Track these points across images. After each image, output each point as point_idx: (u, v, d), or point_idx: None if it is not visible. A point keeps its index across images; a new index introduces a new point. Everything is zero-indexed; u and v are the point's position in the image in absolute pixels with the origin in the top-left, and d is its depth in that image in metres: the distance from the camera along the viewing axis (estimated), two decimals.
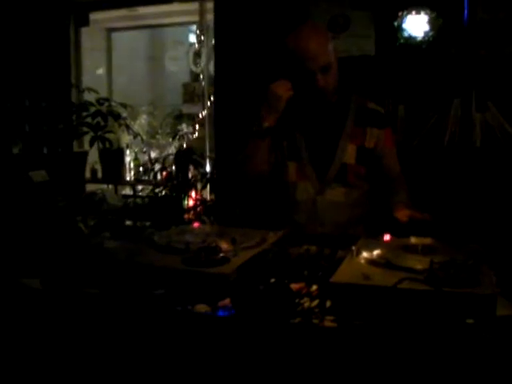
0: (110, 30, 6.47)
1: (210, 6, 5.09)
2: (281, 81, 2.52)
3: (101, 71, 6.30)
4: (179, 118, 6.34)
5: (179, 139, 5.45)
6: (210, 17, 5.23)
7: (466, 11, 3.50)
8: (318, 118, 2.63)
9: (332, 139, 2.61)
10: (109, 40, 6.48)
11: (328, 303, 1.64)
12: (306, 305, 1.65)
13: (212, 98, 5.52)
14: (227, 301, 1.66)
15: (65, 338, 1.75)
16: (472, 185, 3.55)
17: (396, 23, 3.65)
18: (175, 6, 5.56)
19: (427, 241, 2.00)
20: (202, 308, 1.66)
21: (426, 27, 3.59)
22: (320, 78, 2.47)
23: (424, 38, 3.58)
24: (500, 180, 3.50)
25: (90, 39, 6.03)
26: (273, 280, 1.75)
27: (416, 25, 3.59)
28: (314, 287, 1.77)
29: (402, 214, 2.32)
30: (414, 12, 3.59)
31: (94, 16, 5.85)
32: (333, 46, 2.55)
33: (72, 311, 1.77)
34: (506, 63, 3.51)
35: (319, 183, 2.60)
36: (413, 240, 2.01)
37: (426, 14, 3.58)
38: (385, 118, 2.73)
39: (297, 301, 1.65)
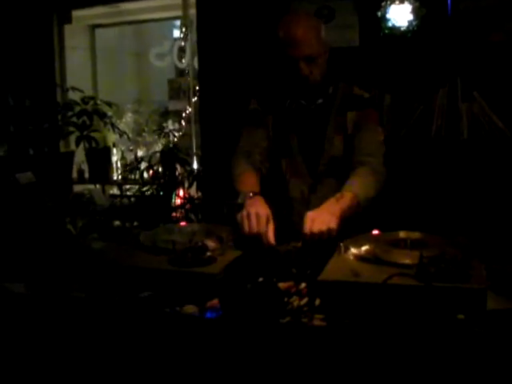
0: (94, 27, 6.41)
1: (193, 0, 5.07)
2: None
3: (85, 69, 6.25)
4: (165, 114, 6.30)
5: (165, 137, 5.41)
6: (193, 11, 5.21)
7: (449, 0, 3.48)
8: (307, 112, 2.60)
9: (320, 133, 2.58)
10: (92, 37, 6.42)
11: (317, 301, 1.62)
12: (295, 303, 1.64)
13: (197, 94, 5.49)
14: (215, 301, 1.64)
15: (51, 343, 1.73)
16: (459, 176, 3.54)
17: (380, 13, 3.63)
18: (158, 1, 5.54)
19: (416, 235, 1.99)
20: (190, 309, 1.64)
21: (410, 17, 3.57)
22: (303, 67, 2.44)
23: (408, 27, 3.56)
24: (487, 171, 3.49)
25: (73, 37, 5.98)
26: (261, 279, 1.73)
27: (400, 14, 3.57)
28: (303, 285, 1.75)
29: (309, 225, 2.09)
30: (397, 1, 3.57)
31: (77, 13, 5.80)
32: (325, 37, 2.52)
33: (58, 316, 1.75)
34: (490, 52, 3.50)
35: (311, 179, 2.57)
36: (401, 234, 2.00)
37: (410, 3, 3.56)
38: (366, 100, 2.61)
39: (285, 300, 1.63)
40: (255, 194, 2.33)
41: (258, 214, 2.13)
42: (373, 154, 2.50)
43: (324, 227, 2.06)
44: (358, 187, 2.32)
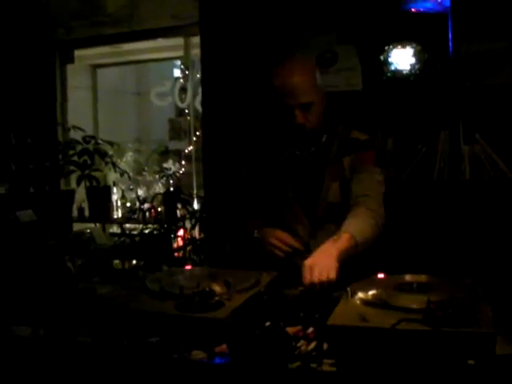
0: (95, 67, 6.46)
1: (194, 40, 5.12)
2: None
3: (86, 108, 6.28)
4: (165, 154, 6.33)
5: (166, 177, 5.44)
6: (195, 51, 5.26)
7: (450, 44, 3.52)
8: (301, 161, 2.57)
9: (315, 181, 2.55)
10: (94, 76, 6.47)
11: (325, 346, 1.62)
12: (303, 348, 1.63)
13: (198, 134, 5.52)
14: (224, 346, 1.63)
15: None
16: (462, 218, 3.55)
17: (382, 57, 3.67)
18: (160, 42, 5.57)
19: (422, 278, 1.98)
20: (198, 354, 1.63)
21: (412, 60, 3.61)
22: (298, 115, 2.42)
23: (410, 71, 3.60)
24: (490, 213, 3.50)
25: (75, 76, 6.02)
26: (268, 323, 1.72)
27: (402, 58, 3.61)
28: (311, 329, 1.74)
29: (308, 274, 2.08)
30: (399, 46, 3.61)
31: (79, 53, 5.85)
32: (321, 83, 2.51)
33: (64, 360, 1.73)
34: (491, 95, 3.53)
35: (310, 226, 2.54)
36: (407, 278, 2.00)
37: (412, 47, 3.60)
38: (362, 143, 2.59)
39: (294, 344, 1.63)
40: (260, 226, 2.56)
41: (277, 238, 2.45)
42: (369, 194, 2.47)
43: (324, 274, 2.05)
44: (353, 227, 2.30)
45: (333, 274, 2.06)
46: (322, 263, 2.09)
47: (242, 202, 2.72)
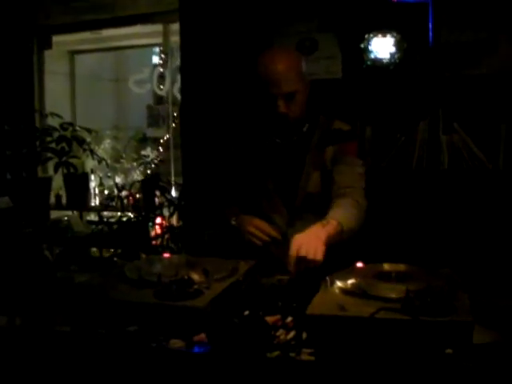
0: (74, 53, 6.40)
1: (173, 27, 5.10)
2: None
3: (64, 94, 6.23)
4: (143, 141, 6.30)
5: (144, 165, 5.41)
6: (174, 39, 5.24)
7: (430, 34, 3.53)
8: (281, 150, 2.55)
9: (295, 170, 2.54)
10: (72, 63, 6.42)
11: (304, 335, 1.62)
12: (282, 337, 1.63)
13: (176, 121, 5.50)
14: (202, 335, 1.63)
15: (35, 379, 1.71)
16: (441, 207, 3.57)
17: (362, 45, 3.67)
18: (138, 28, 5.52)
19: (400, 267, 1.99)
20: (176, 343, 1.63)
21: (392, 49, 3.61)
22: (281, 105, 2.40)
23: (390, 59, 3.60)
24: (468, 202, 3.53)
25: (52, 62, 5.97)
26: (247, 312, 1.72)
27: (382, 47, 3.61)
28: (289, 318, 1.75)
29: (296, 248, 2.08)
30: (379, 34, 3.61)
31: (57, 38, 5.79)
32: (305, 71, 2.48)
33: (42, 350, 1.72)
34: (470, 85, 3.55)
35: (289, 215, 2.54)
36: (386, 267, 2.00)
37: (392, 36, 3.61)
38: (345, 133, 2.58)
39: (273, 333, 1.63)
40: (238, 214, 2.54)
41: (255, 226, 2.43)
42: (352, 186, 2.47)
43: (311, 251, 2.04)
44: (341, 216, 2.28)
45: (320, 256, 2.05)
46: (310, 243, 2.07)
47: (220, 188, 2.71)
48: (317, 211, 2.42)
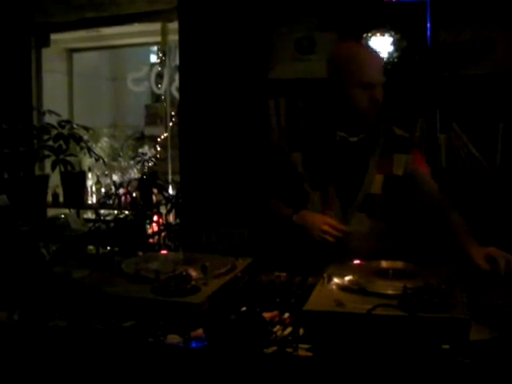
0: (72, 51, 6.40)
1: (172, 26, 5.10)
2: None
3: (62, 92, 6.22)
4: (141, 139, 6.30)
5: (141, 162, 5.41)
6: (172, 37, 5.23)
7: (429, 33, 3.53)
8: (348, 145, 2.54)
9: (360, 169, 2.52)
10: (70, 61, 6.41)
11: (301, 331, 1.62)
12: (279, 333, 1.63)
13: (174, 120, 5.50)
14: (200, 331, 1.63)
15: (33, 374, 1.71)
16: None
17: None
18: (137, 27, 5.52)
19: (398, 264, 2.00)
20: (174, 339, 1.63)
21: (391, 48, 3.61)
22: (378, 92, 2.43)
23: (388, 59, 3.60)
24: (466, 201, 3.52)
25: (50, 60, 5.96)
26: (244, 309, 1.72)
27: (380, 46, 3.61)
28: (287, 314, 1.75)
29: (479, 257, 2.13)
30: (378, 34, 3.61)
31: (55, 36, 5.79)
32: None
33: (39, 345, 1.72)
34: (469, 84, 3.55)
35: (343, 214, 2.50)
36: (384, 264, 2.01)
37: (391, 35, 3.61)
38: (410, 142, 2.65)
39: (270, 329, 1.63)
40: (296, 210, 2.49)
41: (327, 223, 2.37)
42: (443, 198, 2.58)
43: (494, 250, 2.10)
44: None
45: None
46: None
47: (268, 180, 2.69)
48: (371, 213, 2.48)
